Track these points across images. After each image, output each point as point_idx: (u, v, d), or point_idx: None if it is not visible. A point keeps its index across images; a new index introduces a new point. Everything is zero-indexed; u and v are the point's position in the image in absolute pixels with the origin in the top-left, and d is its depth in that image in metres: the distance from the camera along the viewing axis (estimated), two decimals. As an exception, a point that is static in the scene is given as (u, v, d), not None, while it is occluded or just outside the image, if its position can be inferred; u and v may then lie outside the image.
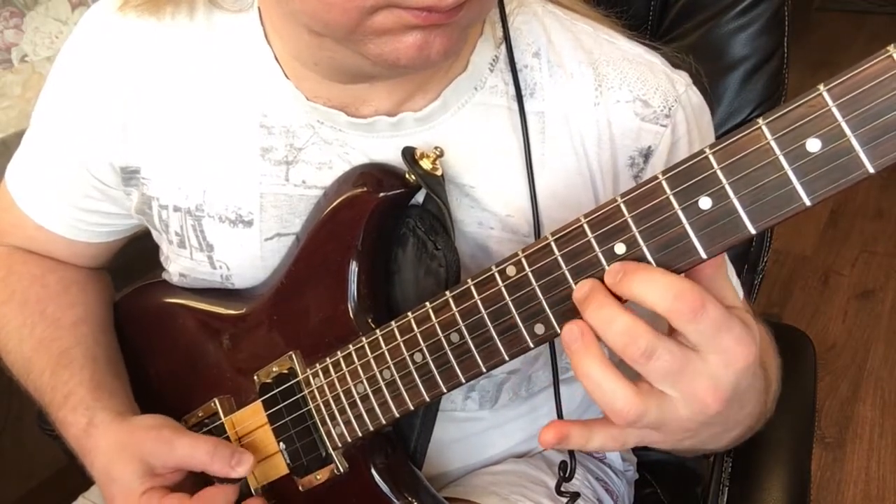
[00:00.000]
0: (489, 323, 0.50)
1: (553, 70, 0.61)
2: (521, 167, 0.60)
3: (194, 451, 0.60)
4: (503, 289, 0.48)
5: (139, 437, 0.62)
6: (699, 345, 0.42)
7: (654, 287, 0.41)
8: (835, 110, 0.37)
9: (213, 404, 0.68)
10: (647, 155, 0.61)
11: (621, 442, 0.47)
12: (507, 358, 0.50)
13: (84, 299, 0.75)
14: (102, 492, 0.63)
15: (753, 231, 0.40)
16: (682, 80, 0.63)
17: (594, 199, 0.62)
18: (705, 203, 0.41)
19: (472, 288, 0.50)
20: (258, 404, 0.65)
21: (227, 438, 0.67)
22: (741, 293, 0.67)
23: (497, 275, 0.49)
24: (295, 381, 0.62)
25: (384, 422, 0.58)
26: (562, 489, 0.63)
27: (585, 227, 0.45)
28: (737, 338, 0.42)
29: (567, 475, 0.62)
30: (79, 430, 0.64)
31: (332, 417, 0.61)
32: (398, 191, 0.58)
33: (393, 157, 0.60)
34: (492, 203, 0.61)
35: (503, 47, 0.61)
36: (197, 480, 0.64)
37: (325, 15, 0.48)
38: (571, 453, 0.63)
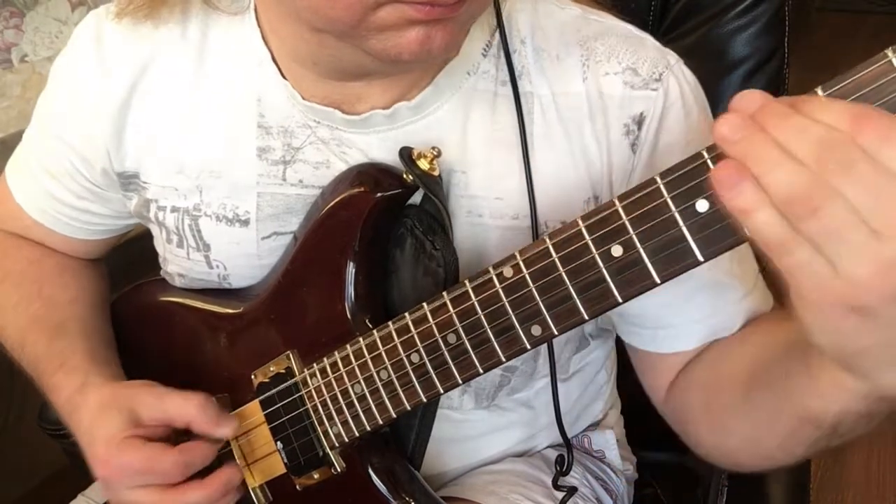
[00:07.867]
0: (486, 324, 0.50)
1: (539, 54, 0.61)
2: (513, 149, 0.60)
3: (184, 403, 0.61)
4: (500, 290, 0.48)
5: (131, 391, 0.63)
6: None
7: (831, 113, 0.34)
8: (832, 112, 0.37)
9: (211, 403, 0.68)
10: (640, 122, 0.60)
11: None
12: (503, 359, 0.50)
13: (78, 283, 0.76)
14: (85, 450, 0.63)
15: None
16: (674, 55, 0.62)
17: (587, 177, 0.61)
18: (702, 206, 0.41)
19: (470, 289, 0.50)
20: (255, 403, 0.65)
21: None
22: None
23: (494, 276, 0.49)
24: (292, 380, 0.62)
25: (381, 422, 0.58)
26: (559, 483, 0.64)
27: (583, 229, 0.45)
28: None
29: (564, 469, 0.63)
30: (72, 389, 0.65)
31: (330, 417, 0.61)
32: (396, 191, 0.58)
33: (391, 151, 0.60)
34: (483, 188, 0.61)
35: (496, 34, 0.61)
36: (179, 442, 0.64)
37: (328, 11, 0.48)
38: (568, 447, 0.63)
